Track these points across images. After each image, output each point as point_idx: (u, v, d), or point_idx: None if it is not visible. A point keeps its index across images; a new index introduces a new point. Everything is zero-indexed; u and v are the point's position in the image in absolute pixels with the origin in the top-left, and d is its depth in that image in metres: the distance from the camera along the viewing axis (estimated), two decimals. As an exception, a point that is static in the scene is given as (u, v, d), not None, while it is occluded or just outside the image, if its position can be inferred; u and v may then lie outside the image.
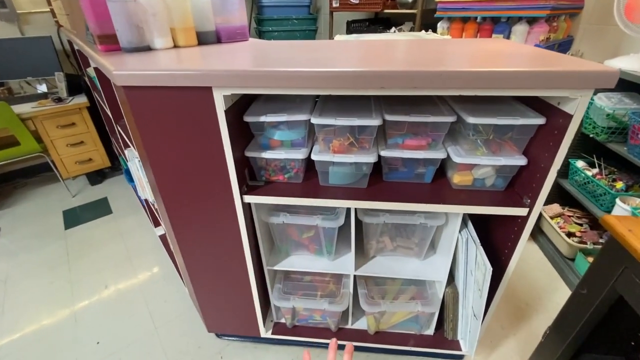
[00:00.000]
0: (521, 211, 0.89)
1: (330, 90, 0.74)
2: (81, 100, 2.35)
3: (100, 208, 2.40)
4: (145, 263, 1.88)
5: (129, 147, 1.52)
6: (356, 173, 0.97)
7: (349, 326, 1.35)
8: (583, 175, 1.65)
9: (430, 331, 1.31)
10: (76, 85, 2.45)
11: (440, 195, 0.95)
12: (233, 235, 1.04)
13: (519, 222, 0.94)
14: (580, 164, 1.74)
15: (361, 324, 1.35)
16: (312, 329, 1.34)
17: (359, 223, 1.08)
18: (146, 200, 1.82)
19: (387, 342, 1.30)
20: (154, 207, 1.54)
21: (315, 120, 0.86)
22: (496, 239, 1.07)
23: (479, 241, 0.97)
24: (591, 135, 1.56)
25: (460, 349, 1.26)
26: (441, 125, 0.88)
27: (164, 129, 0.84)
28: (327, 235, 1.13)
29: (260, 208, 1.08)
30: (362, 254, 1.22)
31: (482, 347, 1.39)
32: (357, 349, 1.37)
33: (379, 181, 1.02)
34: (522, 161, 0.87)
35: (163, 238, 1.99)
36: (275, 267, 1.19)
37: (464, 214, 1.05)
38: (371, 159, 0.90)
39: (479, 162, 0.88)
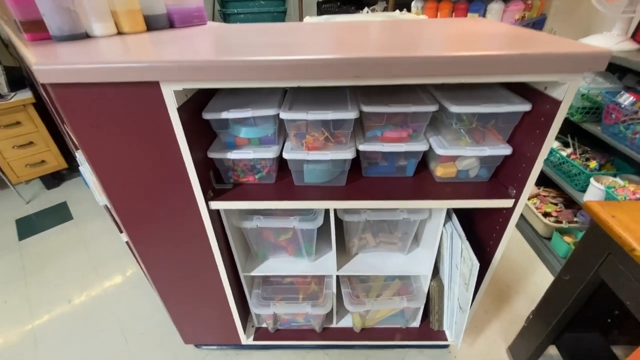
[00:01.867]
0: (507, 203, 0.85)
1: (298, 82, 0.65)
2: (25, 95, 2.10)
3: (59, 214, 2.20)
4: (113, 272, 1.74)
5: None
6: (333, 170, 0.89)
7: (333, 325, 1.30)
8: (558, 155, 1.66)
9: (416, 324, 1.29)
10: (18, 78, 2.19)
11: (424, 189, 0.89)
12: (201, 244, 0.94)
13: (503, 214, 0.90)
14: (555, 144, 1.75)
15: (346, 322, 1.31)
16: (295, 332, 1.28)
17: (339, 221, 1.02)
18: (106, 206, 1.67)
19: (374, 338, 1.27)
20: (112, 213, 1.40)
21: (284, 115, 0.77)
22: (480, 231, 1.03)
23: (464, 235, 0.92)
24: (566, 116, 1.55)
25: (446, 339, 1.25)
26: (422, 115, 0.81)
27: (108, 133, 0.72)
28: (306, 236, 1.06)
29: (230, 213, 0.99)
30: (344, 253, 1.16)
31: (467, 333, 1.40)
32: (343, 347, 1.33)
33: (358, 177, 0.95)
34: (507, 150, 0.82)
35: (130, 245, 1.85)
36: (253, 273, 1.11)
37: (451, 208, 1.00)
38: (349, 154, 0.83)
39: (463, 154, 0.83)
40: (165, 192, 0.83)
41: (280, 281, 1.27)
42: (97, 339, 1.42)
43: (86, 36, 0.89)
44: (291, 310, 1.13)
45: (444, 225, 0.98)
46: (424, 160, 1.01)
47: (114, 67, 0.62)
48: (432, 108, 0.79)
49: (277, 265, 1.14)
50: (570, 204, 1.77)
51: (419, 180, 0.93)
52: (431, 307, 1.22)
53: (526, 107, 0.76)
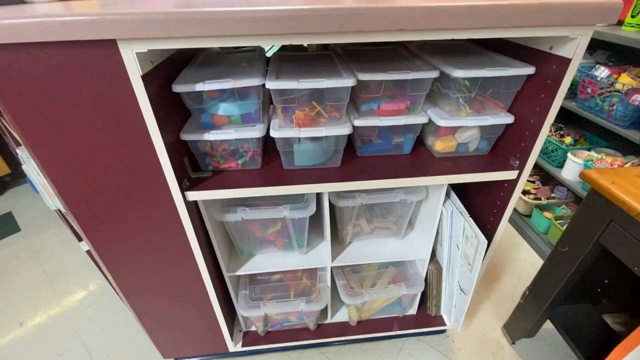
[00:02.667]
0: (510, 174, 0.81)
1: (291, 38, 0.55)
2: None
3: (4, 226, 1.93)
4: (72, 286, 1.53)
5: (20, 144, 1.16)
6: (327, 150, 0.80)
7: (328, 321, 1.22)
8: (535, 133, 1.69)
9: (413, 310, 1.24)
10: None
11: (424, 166, 0.83)
12: (178, 243, 0.82)
13: (505, 187, 0.86)
14: (530, 123, 1.78)
15: (342, 316, 1.23)
16: (288, 332, 1.19)
17: (331, 209, 0.93)
18: (59, 211, 1.46)
19: (371, 330, 1.20)
20: (67, 218, 1.22)
21: (271, 85, 0.67)
22: (478, 209, 0.99)
23: (467, 213, 0.88)
24: (542, 94, 1.58)
25: (444, 324, 1.21)
26: (423, 83, 0.75)
27: (54, 114, 0.58)
28: (297, 226, 0.96)
29: (210, 205, 0.87)
30: (336, 242, 1.08)
31: (461, 316, 1.37)
32: (339, 343, 1.25)
33: (352, 157, 0.87)
34: (509, 119, 0.78)
35: (91, 253, 1.65)
36: (238, 273, 1.00)
37: (448, 185, 0.95)
38: (345, 130, 0.74)
39: (466, 124, 0.77)
40: (132, 186, 0.70)
41: (268, 279, 1.16)
42: (57, 364, 1.23)
43: (21, 2, 0.73)
44: (284, 310, 1.03)
45: (444, 204, 0.93)
46: (420, 137, 0.95)
47: (56, 21, 0.49)
48: (433, 74, 0.72)
49: (265, 261, 1.03)
50: (547, 180, 1.81)
51: (417, 157, 0.87)
52: (429, 292, 1.17)
53: (530, 70, 0.71)
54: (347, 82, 0.67)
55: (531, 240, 1.71)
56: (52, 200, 1.27)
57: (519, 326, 1.22)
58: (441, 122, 0.77)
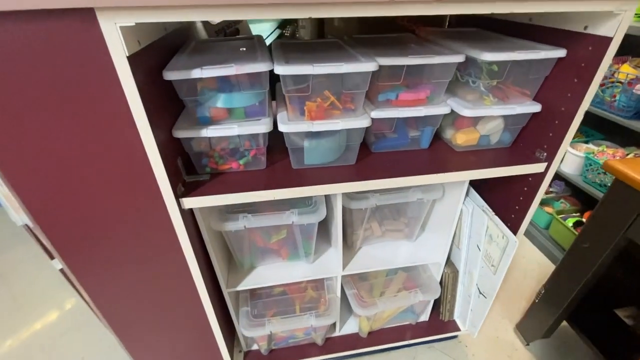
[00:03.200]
0: (538, 167, 0.75)
1: (310, 10, 0.46)
2: None
3: (-39, 246, 1.71)
4: (44, 309, 1.36)
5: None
6: (341, 146, 0.72)
7: (336, 334, 1.12)
8: (532, 128, 1.67)
9: (425, 317, 1.17)
10: None
11: (445, 162, 0.76)
12: (172, 259, 0.70)
13: (529, 182, 0.80)
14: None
15: (351, 328, 1.14)
16: (294, 349, 1.08)
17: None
18: (27, 226, 1.29)
19: (383, 341, 1.12)
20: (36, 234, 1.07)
21: (282, 70, 0.57)
22: (498, 205, 0.93)
23: (491, 211, 0.81)
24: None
25: (457, 329, 1.15)
26: (446, 69, 0.68)
27: (15, 104, 0.46)
28: (305, 233, 0.87)
29: (207, 213, 0.76)
30: (345, 248, 1.00)
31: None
32: (349, 357, 1.16)
33: (366, 154, 0.79)
34: (536, 107, 0.72)
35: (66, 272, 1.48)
36: (239, 288, 0.89)
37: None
38: (364, 122, 0.66)
39: (491, 113, 0.71)
40: (116, 193, 0.58)
41: (269, 292, 1.06)
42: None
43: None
44: (291, 326, 0.93)
45: (463, 202, 0.86)
46: (437, 131, 0.88)
47: (13, -15, 0.38)
48: (459, 58, 0.65)
49: (268, 273, 0.93)
50: (544, 175, 1.80)
51: (436, 152, 0.80)
52: (442, 297, 1.10)
53: (561, 52, 0.66)
54: (369, 66, 0.59)
55: (532, 236, 1.69)
56: (18, 214, 1.11)
57: (534, 327, 1.17)
58: (465, 112, 0.70)
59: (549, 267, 1.53)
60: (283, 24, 1.15)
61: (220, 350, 0.95)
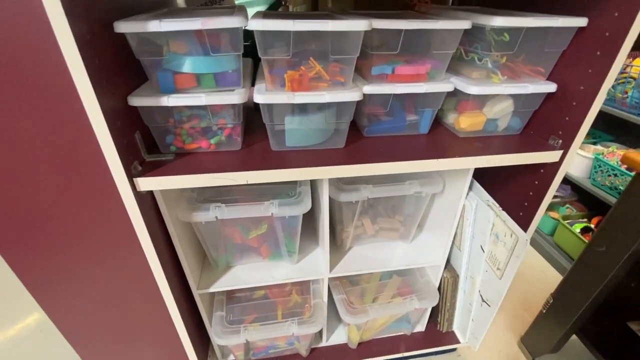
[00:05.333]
0: (553, 156, 0.66)
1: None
2: None
3: None
4: (2, 314, 1.25)
5: None
6: (327, 126, 0.62)
7: (323, 344, 1.01)
8: (535, 129, 1.59)
9: (421, 327, 1.06)
10: None
11: (446, 148, 0.66)
12: (128, 253, 0.60)
13: (541, 174, 0.71)
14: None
15: (339, 337, 1.03)
16: (274, 361, 0.97)
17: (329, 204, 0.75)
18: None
19: (374, 353, 1.01)
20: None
21: (256, 25, 0.48)
22: (504, 200, 0.84)
23: (498, 206, 0.72)
24: (543, 85, 1.49)
25: (457, 341, 1.04)
26: (450, 38, 0.59)
27: None
28: (288, 228, 0.77)
29: (173, 201, 0.66)
30: (334, 248, 0.90)
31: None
32: (336, 370, 1.05)
33: (358, 138, 0.70)
34: (551, 87, 0.64)
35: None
36: (212, 289, 0.78)
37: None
38: (354, 95, 0.56)
39: (500, 92, 0.62)
40: (52, 172, 0.49)
41: (249, 296, 0.95)
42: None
43: None
44: (270, 334, 0.83)
45: (466, 196, 0.77)
46: (436, 115, 0.79)
47: None
48: (465, 24, 0.57)
49: (246, 274, 0.82)
50: (548, 179, 1.71)
51: (437, 137, 0.71)
52: (441, 305, 1.00)
53: (581, 21, 0.57)
54: (359, 24, 0.50)
55: (536, 243, 1.59)
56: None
57: (541, 340, 1.07)
58: (472, 90, 0.61)
59: (555, 276, 1.43)
60: (274, 5, 1.07)
61: (189, 358, 0.83)
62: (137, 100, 0.52)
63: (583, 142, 1.41)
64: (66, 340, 0.71)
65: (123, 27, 0.47)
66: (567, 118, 0.64)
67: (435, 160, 0.61)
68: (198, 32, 0.50)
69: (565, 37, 0.60)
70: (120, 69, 0.53)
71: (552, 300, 1.01)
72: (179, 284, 0.74)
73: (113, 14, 0.51)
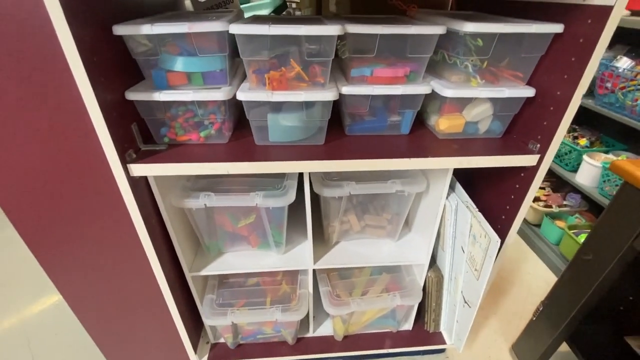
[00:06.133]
0: (529, 160, 0.67)
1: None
2: None
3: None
4: (30, 287, 1.37)
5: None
6: (308, 124, 0.66)
7: (310, 334, 1.05)
8: (545, 135, 1.55)
9: (408, 325, 1.08)
10: None
11: (424, 148, 0.69)
12: (123, 234, 0.67)
13: (521, 178, 0.72)
14: (540, 124, 1.65)
15: (326, 329, 1.07)
16: (262, 346, 1.02)
17: (315, 202, 0.79)
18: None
19: (360, 347, 1.04)
20: None
21: (235, 29, 0.53)
22: (488, 204, 0.85)
23: (475, 207, 0.73)
24: (554, 91, 1.45)
25: (443, 342, 1.05)
26: (425, 42, 0.61)
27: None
28: (274, 219, 0.82)
29: (167, 189, 0.72)
30: (321, 242, 0.93)
31: (463, 334, 1.21)
32: (323, 359, 1.09)
33: (340, 136, 0.73)
34: (529, 91, 0.65)
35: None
36: (203, 273, 0.84)
37: (452, 175, 0.81)
38: (329, 95, 0.60)
39: (477, 95, 0.64)
40: (53, 159, 0.56)
41: (242, 282, 1.01)
42: (-6, 375, 1.06)
43: None
44: (255, 319, 0.88)
45: (447, 197, 0.78)
46: (421, 117, 0.81)
47: None
48: (439, 30, 0.59)
49: (236, 261, 0.88)
50: (558, 187, 1.67)
51: (417, 138, 0.73)
52: (427, 304, 1.01)
53: (557, 27, 0.58)
54: (331, 30, 0.54)
55: (541, 252, 1.55)
56: None
57: (531, 348, 1.06)
58: (447, 92, 0.63)
59: (557, 286, 1.40)
60: (279, 9, 1.12)
61: (181, 338, 0.90)
62: (132, 95, 0.59)
63: (594, 150, 1.38)
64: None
65: (120, 30, 0.53)
66: (545, 123, 0.64)
67: (408, 159, 0.64)
68: (188, 35, 0.56)
69: (542, 43, 0.61)
70: (119, 67, 0.59)
71: (542, 308, 1.00)
72: (172, 266, 0.80)
73: (118, 18, 0.57)
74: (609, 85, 1.20)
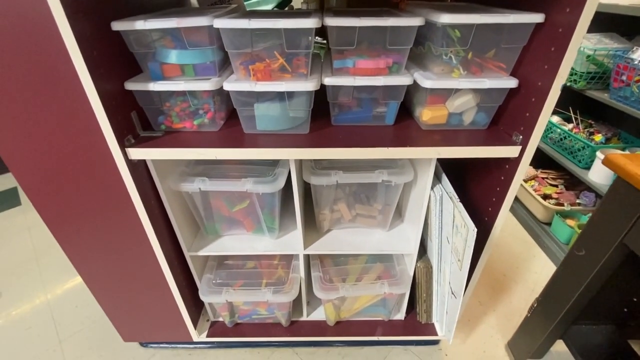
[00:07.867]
0: (511, 151, 0.67)
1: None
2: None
3: (8, 199, 1.96)
4: (56, 262, 1.51)
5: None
6: (293, 113, 0.70)
7: (304, 318, 1.10)
8: (560, 130, 1.50)
9: (400, 315, 1.10)
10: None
11: (408, 138, 0.70)
12: (124, 214, 0.74)
13: (506, 169, 0.72)
14: (555, 119, 1.59)
15: (319, 314, 1.11)
16: (258, 326, 1.08)
17: (307, 192, 0.83)
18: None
19: (351, 333, 1.07)
20: None
21: (218, 23, 0.57)
22: (476, 196, 0.85)
23: (457, 197, 0.74)
24: (568, 84, 1.40)
25: (435, 333, 1.06)
26: (405, 34, 0.63)
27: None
28: (266, 205, 0.86)
29: (165, 174, 0.78)
30: (313, 229, 0.97)
31: (459, 327, 1.21)
32: (316, 344, 1.13)
33: (326, 126, 0.76)
34: (511, 82, 0.65)
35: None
36: (201, 253, 0.90)
37: (437, 166, 0.82)
38: (309, 86, 0.63)
39: (457, 86, 0.64)
40: (60, 143, 0.63)
41: (241, 265, 1.07)
42: (23, 337, 1.19)
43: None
44: (248, 298, 0.93)
45: (432, 188, 0.80)
46: (407, 108, 0.82)
47: None
48: (417, 22, 0.60)
49: (231, 243, 0.93)
50: (572, 185, 1.61)
51: (401, 129, 0.75)
52: (418, 295, 1.03)
53: (538, 17, 0.58)
54: (307, 23, 0.57)
55: (550, 251, 1.51)
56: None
57: (525, 344, 1.05)
58: (426, 83, 0.64)
59: (563, 286, 1.36)
60: (282, 4, 1.16)
61: (182, 314, 0.97)
62: (131, 85, 0.64)
63: (609, 146, 1.32)
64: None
65: (117, 25, 0.59)
66: (527, 114, 0.64)
67: (386, 148, 0.66)
68: (179, 30, 0.61)
69: (522, 34, 0.61)
70: (119, 60, 0.65)
71: (536, 304, 0.99)
72: (173, 246, 0.87)
73: (120, 14, 0.63)
74: (624, 77, 1.15)
